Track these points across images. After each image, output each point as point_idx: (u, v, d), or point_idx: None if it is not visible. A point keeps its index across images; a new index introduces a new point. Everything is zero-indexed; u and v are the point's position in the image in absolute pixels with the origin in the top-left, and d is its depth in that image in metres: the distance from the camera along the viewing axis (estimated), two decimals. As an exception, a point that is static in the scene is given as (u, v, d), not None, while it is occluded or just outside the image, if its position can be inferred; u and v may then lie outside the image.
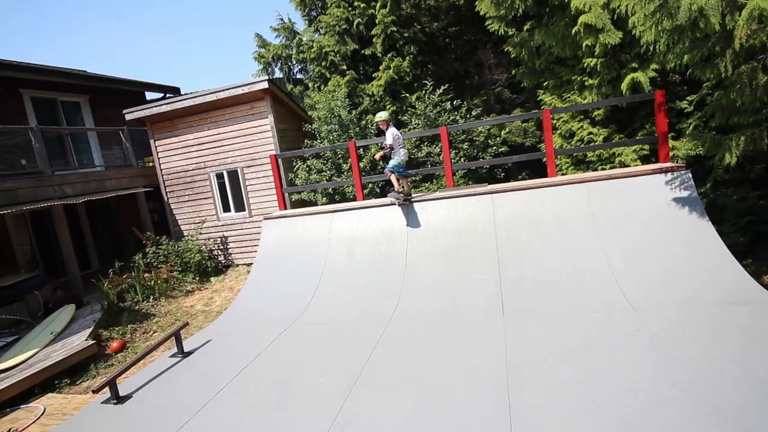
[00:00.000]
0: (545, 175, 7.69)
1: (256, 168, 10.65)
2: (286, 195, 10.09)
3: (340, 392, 4.14)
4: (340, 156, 10.59)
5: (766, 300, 4.53)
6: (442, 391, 3.94)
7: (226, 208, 11.10)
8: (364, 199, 8.62)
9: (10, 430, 4.94)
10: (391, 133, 6.85)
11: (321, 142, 10.84)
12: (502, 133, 10.60)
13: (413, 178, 10.21)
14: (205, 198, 11.14)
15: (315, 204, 10.69)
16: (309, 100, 12.47)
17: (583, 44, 7.65)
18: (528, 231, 6.27)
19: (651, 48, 5.58)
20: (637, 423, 3.14)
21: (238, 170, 10.79)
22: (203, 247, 10.62)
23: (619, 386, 3.59)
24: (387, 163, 7.01)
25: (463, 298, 5.73)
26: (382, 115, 6.95)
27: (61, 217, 9.01)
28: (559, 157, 8.72)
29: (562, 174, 8.92)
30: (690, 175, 5.89)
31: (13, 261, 9.41)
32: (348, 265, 6.87)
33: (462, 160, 10.17)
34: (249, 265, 10.16)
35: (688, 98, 7.46)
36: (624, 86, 7.52)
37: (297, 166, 10.98)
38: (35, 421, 5.24)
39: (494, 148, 10.32)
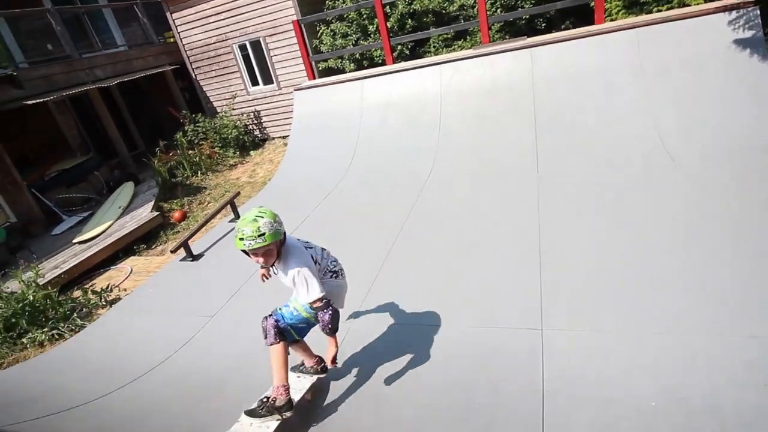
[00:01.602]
0: (592, 23, 7.03)
1: (279, 36, 10.17)
2: (314, 63, 9.78)
3: (384, 248, 4.61)
4: (365, 17, 9.88)
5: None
6: (477, 240, 4.33)
7: (254, 82, 10.95)
8: (394, 63, 8.28)
9: (108, 285, 5.85)
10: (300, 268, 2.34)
11: (344, 2, 10.05)
12: (544, -25, 9.42)
13: (445, 35, 9.53)
14: (232, 72, 10.95)
15: (343, 71, 10.37)
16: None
17: None
18: (568, 86, 6.02)
19: None
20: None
21: (261, 40, 10.35)
22: (238, 122, 10.81)
23: (640, 228, 3.84)
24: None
25: (498, 159, 5.84)
26: (245, 233, 2.22)
27: (99, 101, 9.24)
28: None
29: (611, 20, 8.11)
30: (758, 12, 5.25)
31: (67, 146, 9.98)
32: (382, 131, 6.95)
33: (498, 11, 9.30)
34: (284, 137, 10.38)
35: None
36: None
37: (321, 32, 10.39)
38: (126, 277, 6.15)
39: (536, -7, 9.28)
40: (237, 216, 6.14)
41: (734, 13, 5.40)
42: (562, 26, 10.01)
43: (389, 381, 2.94)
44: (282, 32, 10.14)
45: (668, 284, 3.24)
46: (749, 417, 2.21)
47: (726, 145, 4.80)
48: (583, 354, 2.84)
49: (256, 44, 10.50)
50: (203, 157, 9.56)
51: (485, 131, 6.25)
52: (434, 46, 9.86)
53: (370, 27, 9.82)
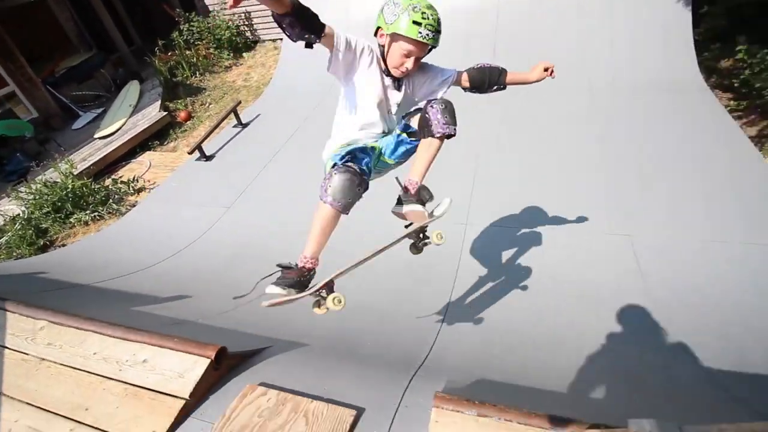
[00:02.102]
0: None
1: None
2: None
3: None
4: None
5: (697, 86, 5.09)
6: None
7: (243, -20, 10.18)
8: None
9: (134, 177, 6.38)
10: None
11: None
12: None
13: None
14: (220, -31, 10.09)
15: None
16: None
17: None
18: (526, 11, 6.20)
19: None
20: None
21: (248, -65, 9.41)
22: (230, 23, 10.31)
23: (558, 150, 4.62)
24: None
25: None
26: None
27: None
28: None
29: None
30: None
31: (69, 43, 9.51)
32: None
33: None
34: (274, 41, 10.09)
35: None
36: None
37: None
38: (148, 170, 6.69)
39: None
40: (239, 122, 6.55)
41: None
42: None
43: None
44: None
45: (572, 190, 4.09)
46: (624, 298, 3.06)
47: (632, 80, 5.33)
48: (488, 241, 3.79)
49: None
50: (200, 58, 9.38)
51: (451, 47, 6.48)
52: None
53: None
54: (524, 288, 3.20)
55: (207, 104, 8.48)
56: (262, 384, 1.84)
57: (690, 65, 5.30)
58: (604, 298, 3.10)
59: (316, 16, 1.48)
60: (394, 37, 1.53)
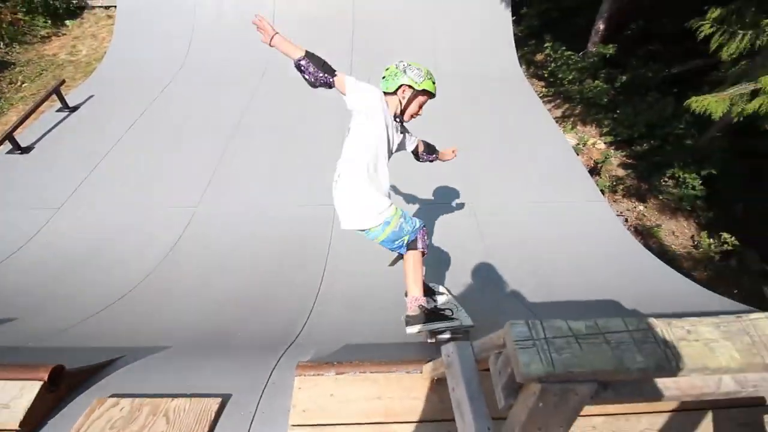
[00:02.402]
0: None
1: None
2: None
3: (225, 137, 4.94)
4: None
5: (517, 77, 6.03)
6: (304, 135, 5.00)
7: (55, -70, 8.30)
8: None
9: None
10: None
11: None
12: None
13: None
14: None
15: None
16: None
17: None
18: (385, 9, 6.48)
19: None
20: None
21: None
22: (43, -19, 8.37)
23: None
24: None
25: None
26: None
27: None
28: None
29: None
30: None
31: None
32: (216, 24, 6.51)
33: None
34: (107, 8, 8.56)
35: None
36: None
37: None
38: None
39: None
40: (65, 105, 5.46)
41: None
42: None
43: (237, 254, 3.71)
44: None
45: None
46: (469, 256, 3.66)
47: (470, 69, 6.09)
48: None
49: None
50: (4, 25, 7.46)
51: (313, 29, 6.44)
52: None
53: None
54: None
55: (18, 83, 6.86)
56: (114, 396, 1.69)
57: (511, 57, 6.24)
58: (455, 257, 3.59)
59: (325, 61, 1.83)
60: (421, 92, 1.95)
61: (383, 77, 2.01)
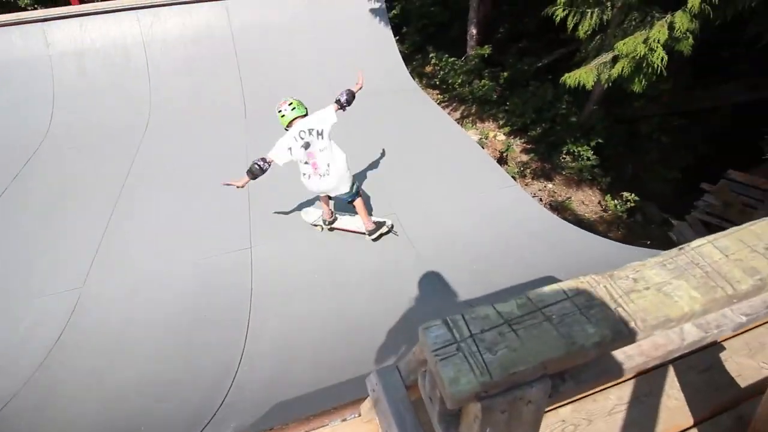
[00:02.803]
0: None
1: None
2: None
3: (110, 202, 4.27)
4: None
5: (412, 89, 6.14)
6: (199, 184, 4.49)
7: None
8: (82, 1, 6.66)
9: None
10: (314, 118, 3.07)
11: None
12: None
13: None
14: None
15: (15, 4, 7.69)
16: None
17: None
18: (261, 39, 6.28)
19: None
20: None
21: None
22: None
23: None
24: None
25: (211, 107, 5.83)
26: (284, 112, 3.10)
27: None
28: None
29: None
30: (382, -12, 6.54)
31: None
32: (80, 83, 5.80)
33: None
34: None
35: None
36: None
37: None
38: None
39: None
40: None
41: (369, -12, 6.56)
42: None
43: (145, 310, 3.12)
44: None
45: None
46: (369, 269, 3.40)
47: (364, 89, 6.07)
48: (276, 258, 3.61)
49: None
50: None
51: (196, 79, 6.03)
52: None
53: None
54: (321, 289, 3.15)
55: None
56: None
57: (403, 72, 6.38)
58: (390, 271, 3.35)
59: (262, 168, 2.97)
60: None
61: (293, 107, 3.08)
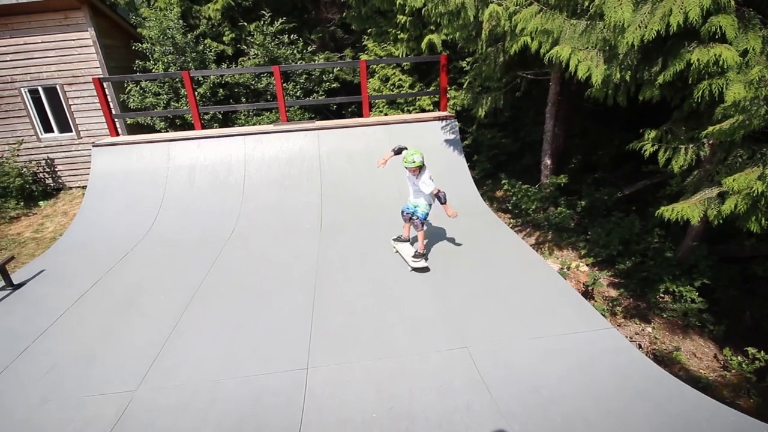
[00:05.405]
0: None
1: (80, 86, 8.75)
2: (118, 121, 8.66)
3: (181, 305, 4.33)
4: (178, 80, 9.33)
5: (484, 212, 6.05)
6: (267, 294, 4.46)
7: (48, 128, 9.06)
8: (203, 128, 7.99)
9: None
10: (423, 176, 4.27)
11: (155, 65, 9.30)
12: (335, 70, 10.58)
13: (251, 110, 9.69)
14: (19, 117, 8.84)
15: (152, 127, 9.46)
16: (137, 18, 10.26)
17: (397, 2, 7.88)
18: (345, 162, 6.84)
19: (438, 20, 6.07)
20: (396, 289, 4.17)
21: (58, 87, 8.71)
22: (24, 170, 8.68)
23: (390, 271, 4.61)
24: (413, 212, 4.59)
25: (292, 218, 6.17)
26: (415, 160, 4.15)
27: None
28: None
29: (380, 111, 9.58)
30: (456, 122, 7.06)
31: None
32: (188, 192, 6.57)
33: (299, 91, 9.96)
34: (84, 187, 8.77)
35: (468, 59, 8.51)
36: (423, 45, 8.16)
37: (129, 88, 9.35)
38: None
39: (327, 84, 10.31)
40: (9, 282, 4.87)
41: (444, 122, 7.10)
42: (349, 109, 11.28)
43: (191, 423, 2.79)
44: (84, 82, 8.76)
45: (401, 317, 3.94)
46: (434, 417, 2.88)
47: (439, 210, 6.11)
48: (334, 383, 3.21)
49: (51, 90, 8.78)
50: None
51: (282, 194, 6.55)
52: (244, 114, 9.91)
53: (183, 89, 9.29)
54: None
55: (-33, 265, 6.30)
56: None
57: (475, 196, 6.41)
58: (455, 421, 2.76)
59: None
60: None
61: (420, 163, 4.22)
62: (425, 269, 4.59)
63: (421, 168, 4.23)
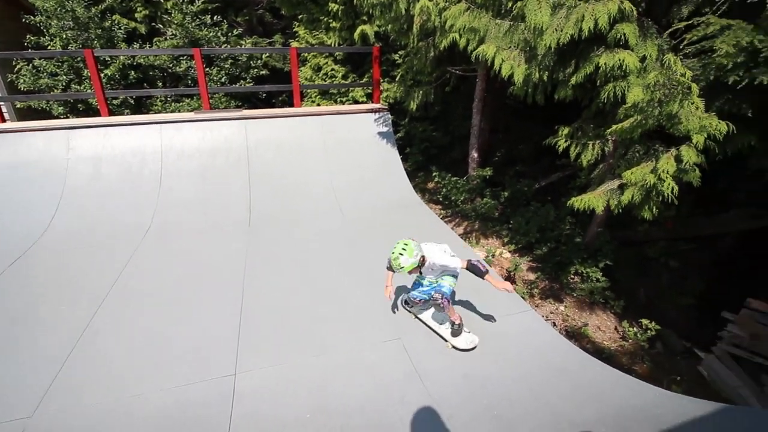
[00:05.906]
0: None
1: (-53, 61, 7.29)
2: (4, 104, 7.37)
3: (88, 312, 3.81)
4: (80, 59, 8.16)
5: (417, 203, 6.16)
6: (189, 296, 4.09)
7: None
8: (111, 114, 7.10)
9: None
10: (435, 261, 3.15)
11: (51, 41, 8.04)
12: (263, 56, 10.02)
13: (169, 96, 8.82)
14: None
15: (49, 113, 8.22)
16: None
17: (328, -12, 7.63)
18: (275, 153, 6.52)
19: (371, 11, 5.96)
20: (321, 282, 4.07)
21: None
22: None
23: (322, 265, 4.49)
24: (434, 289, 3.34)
25: (217, 213, 5.75)
26: (402, 264, 3.03)
27: None
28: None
29: (312, 101, 9.28)
30: (389, 115, 7.06)
31: None
32: (94, 185, 5.80)
33: (224, 77, 9.28)
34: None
35: (400, 52, 8.53)
36: (356, 35, 8.02)
37: (19, 66, 8.00)
38: None
39: (255, 71, 9.74)
40: None
41: (377, 114, 7.07)
42: (280, 98, 10.79)
43: None
44: (-48, 57, 7.29)
45: (327, 314, 3.84)
46: (369, 411, 2.85)
47: (371, 202, 6.11)
48: (265, 387, 3.05)
49: None
50: None
51: (204, 187, 6.07)
52: (161, 100, 9.01)
53: (86, 70, 8.17)
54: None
55: None
56: None
57: (408, 189, 6.49)
58: (389, 413, 2.77)
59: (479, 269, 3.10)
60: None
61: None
62: (472, 343, 3.37)
63: (423, 260, 3.09)
